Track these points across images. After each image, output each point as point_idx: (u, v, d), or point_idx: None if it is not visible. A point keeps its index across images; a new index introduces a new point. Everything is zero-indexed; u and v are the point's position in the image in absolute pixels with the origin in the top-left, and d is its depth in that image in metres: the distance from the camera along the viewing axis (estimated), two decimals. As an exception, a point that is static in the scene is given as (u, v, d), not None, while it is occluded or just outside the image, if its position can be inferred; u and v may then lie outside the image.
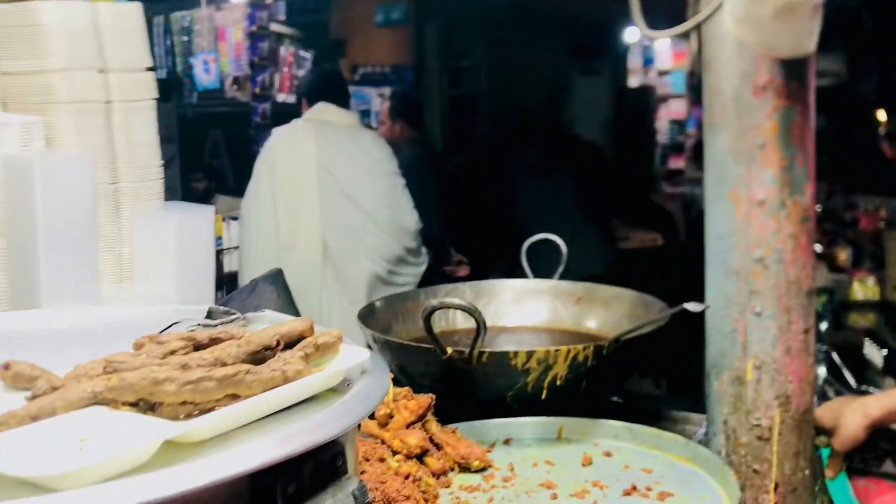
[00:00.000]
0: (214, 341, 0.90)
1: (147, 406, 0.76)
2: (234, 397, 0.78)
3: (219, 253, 3.53)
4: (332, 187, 3.17)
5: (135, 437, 0.68)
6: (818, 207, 4.80)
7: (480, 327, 1.44)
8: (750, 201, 1.32)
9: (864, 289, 4.05)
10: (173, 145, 4.77)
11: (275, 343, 0.86)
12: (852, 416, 1.40)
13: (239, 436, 0.75)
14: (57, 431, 0.70)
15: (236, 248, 3.67)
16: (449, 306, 1.47)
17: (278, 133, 3.35)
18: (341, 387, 0.88)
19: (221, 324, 1.04)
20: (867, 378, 3.40)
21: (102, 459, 0.63)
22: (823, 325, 3.61)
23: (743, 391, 1.36)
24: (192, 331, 0.96)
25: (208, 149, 5.52)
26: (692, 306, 1.35)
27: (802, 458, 1.38)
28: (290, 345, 0.90)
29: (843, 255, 4.29)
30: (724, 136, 1.34)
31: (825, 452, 1.47)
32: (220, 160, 5.49)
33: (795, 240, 1.33)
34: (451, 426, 1.45)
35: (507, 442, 1.50)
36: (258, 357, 0.85)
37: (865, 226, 4.45)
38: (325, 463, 0.75)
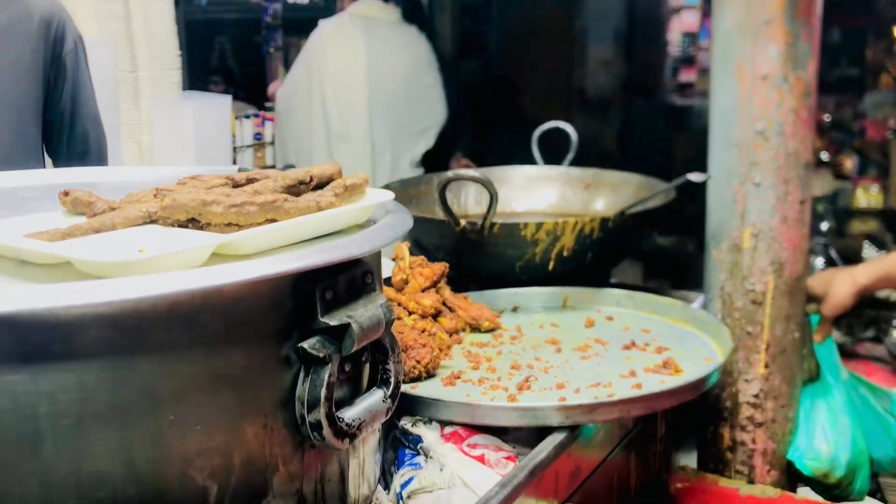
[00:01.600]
0: (251, 181, 0.97)
1: (196, 227, 0.84)
2: (273, 223, 0.86)
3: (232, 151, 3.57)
4: (381, 84, 3.19)
5: (189, 243, 0.76)
6: (826, 118, 4.80)
7: (492, 198, 1.51)
8: (754, 76, 1.37)
9: (867, 196, 4.09)
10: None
11: (308, 178, 0.93)
12: (841, 283, 1.48)
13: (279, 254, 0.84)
14: (118, 240, 0.79)
15: (249, 146, 3.72)
16: (463, 178, 1.54)
17: (326, 26, 3.33)
18: (367, 224, 0.96)
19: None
20: (864, 278, 3.47)
21: (162, 253, 0.71)
22: (825, 226, 3.67)
23: (740, 258, 1.44)
24: (228, 177, 1.03)
25: (216, 53, 5.49)
26: (695, 176, 1.41)
27: (793, 322, 1.46)
28: (320, 186, 0.97)
29: (849, 164, 4.31)
30: (731, 12, 1.38)
31: (815, 318, 1.56)
32: (229, 64, 5.47)
33: (796, 113, 1.38)
34: (463, 294, 1.54)
35: (514, 310, 1.60)
36: (293, 191, 0.92)
37: (872, 135, 4.45)
38: (357, 278, 0.83)
